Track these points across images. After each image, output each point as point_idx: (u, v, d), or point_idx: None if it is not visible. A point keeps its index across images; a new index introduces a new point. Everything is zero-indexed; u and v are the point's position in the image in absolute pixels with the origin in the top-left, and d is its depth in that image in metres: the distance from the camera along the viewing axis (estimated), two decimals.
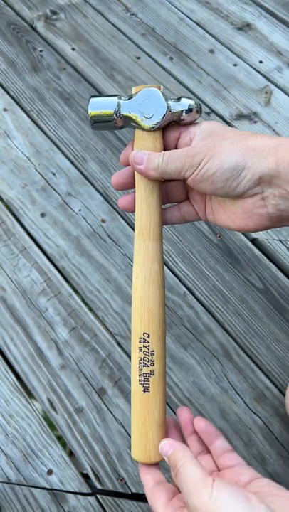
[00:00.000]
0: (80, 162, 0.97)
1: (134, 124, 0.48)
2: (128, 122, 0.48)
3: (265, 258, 0.86)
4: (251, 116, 1.03)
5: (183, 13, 1.20)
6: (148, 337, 0.47)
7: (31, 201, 0.92)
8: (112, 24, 1.18)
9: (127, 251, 0.86)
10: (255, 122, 1.02)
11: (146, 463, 0.46)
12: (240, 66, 1.11)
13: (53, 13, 1.20)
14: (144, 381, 0.46)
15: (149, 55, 1.12)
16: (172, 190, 0.51)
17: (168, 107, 0.47)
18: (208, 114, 1.04)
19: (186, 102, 0.47)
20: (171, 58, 1.12)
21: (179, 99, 0.47)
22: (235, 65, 1.11)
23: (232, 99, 1.06)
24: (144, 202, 0.48)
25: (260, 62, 1.12)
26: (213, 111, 1.04)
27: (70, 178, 0.94)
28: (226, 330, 0.79)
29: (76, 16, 1.19)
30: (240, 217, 0.45)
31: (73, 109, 1.04)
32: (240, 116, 1.03)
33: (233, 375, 0.75)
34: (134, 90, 0.48)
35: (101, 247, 0.87)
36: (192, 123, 0.48)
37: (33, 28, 1.17)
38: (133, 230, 0.89)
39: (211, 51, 1.14)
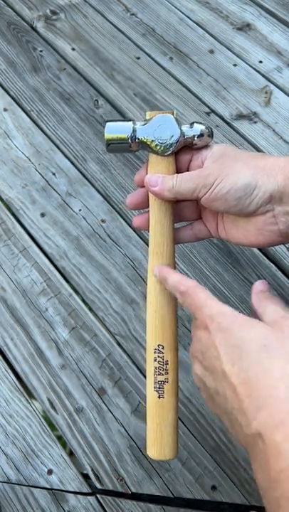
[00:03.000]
0: (80, 162, 0.97)
1: (148, 148, 0.50)
2: (143, 147, 0.51)
3: (265, 258, 0.86)
4: (251, 116, 1.03)
5: (183, 13, 1.20)
6: (162, 348, 0.51)
7: (31, 201, 0.92)
8: (112, 24, 1.18)
9: (127, 251, 0.86)
10: (255, 122, 1.02)
11: (161, 460, 0.52)
12: (240, 66, 1.11)
13: (53, 13, 1.20)
14: (158, 388, 0.50)
15: (149, 55, 1.12)
16: (185, 210, 0.54)
17: (181, 132, 0.49)
18: (208, 114, 1.04)
19: (199, 128, 0.49)
20: (171, 58, 1.12)
21: (192, 125, 0.50)
22: (235, 65, 1.11)
23: (232, 99, 1.06)
24: (158, 222, 0.51)
25: (260, 62, 1.12)
26: (213, 111, 1.04)
27: (70, 178, 0.95)
28: None
29: (76, 16, 1.19)
30: (252, 233, 0.48)
31: (73, 109, 1.04)
32: (240, 116, 1.03)
33: None
34: (148, 116, 0.51)
35: (101, 247, 0.87)
36: (204, 147, 0.50)
37: (33, 28, 1.17)
38: (133, 230, 0.89)
39: (211, 51, 1.14)
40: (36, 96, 1.05)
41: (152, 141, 0.49)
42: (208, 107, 1.05)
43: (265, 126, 1.02)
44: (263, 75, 1.10)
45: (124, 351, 0.77)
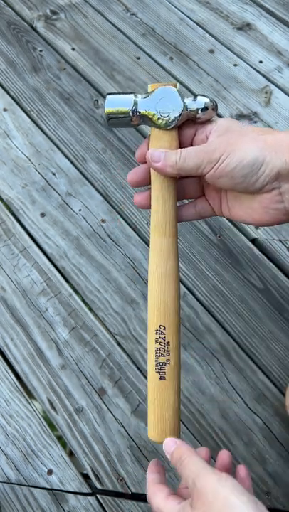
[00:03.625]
0: (80, 162, 0.97)
1: (150, 122, 0.48)
2: (144, 120, 0.49)
3: (265, 258, 0.86)
4: (251, 117, 1.03)
5: (183, 13, 1.20)
6: (164, 329, 0.50)
7: (31, 201, 0.92)
8: (112, 24, 1.18)
9: (127, 251, 0.86)
10: (256, 122, 1.02)
11: (159, 443, 0.49)
12: (240, 66, 1.11)
13: (53, 13, 1.20)
14: (160, 369, 0.50)
15: (149, 55, 1.12)
16: (188, 187, 0.52)
17: (184, 105, 0.47)
18: None
19: (203, 100, 0.48)
20: (171, 58, 1.12)
21: (195, 98, 0.48)
22: (235, 65, 1.11)
23: (232, 99, 1.06)
24: (160, 199, 0.49)
25: (260, 62, 1.12)
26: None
27: (70, 178, 0.94)
28: (225, 330, 0.79)
29: (76, 16, 1.19)
30: (257, 212, 0.46)
31: (73, 109, 1.04)
32: (241, 117, 1.03)
33: (233, 375, 0.75)
34: (150, 88, 0.49)
35: (101, 247, 0.87)
36: (208, 121, 0.48)
37: (33, 28, 1.17)
38: (133, 230, 0.89)
39: (211, 51, 1.14)
40: (36, 96, 1.05)
41: (154, 114, 0.48)
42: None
43: (265, 126, 1.02)
44: (263, 75, 1.10)
45: (124, 351, 0.77)
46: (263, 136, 0.45)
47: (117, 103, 0.48)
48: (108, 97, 0.48)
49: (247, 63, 1.12)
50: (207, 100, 0.48)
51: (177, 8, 1.21)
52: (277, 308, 0.81)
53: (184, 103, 0.47)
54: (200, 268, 0.85)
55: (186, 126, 0.49)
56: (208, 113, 0.48)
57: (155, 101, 0.48)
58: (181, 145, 0.49)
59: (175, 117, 0.47)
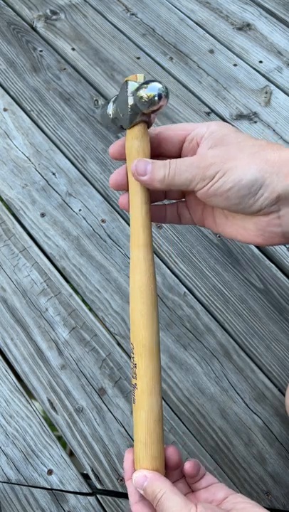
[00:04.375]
0: (80, 162, 0.97)
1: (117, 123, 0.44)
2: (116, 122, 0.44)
3: (265, 258, 0.86)
4: (251, 116, 1.03)
5: (183, 13, 1.20)
6: (133, 348, 0.44)
7: (31, 201, 0.92)
8: (112, 24, 1.18)
9: (127, 251, 0.86)
10: (255, 122, 1.02)
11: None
12: (240, 66, 1.11)
13: (53, 13, 1.20)
14: (133, 392, 0.45)
15: (149, 55, 1.12)
16: (170, 190, 0.48)
17: (131, 100, 0.41)
18: (208, 114, 1.04)
19: (144, 90, 0.40)
20: (171, 58, 1.12)
21: (138, 89, 0.40)
22: (235, 65, 1.11)
23: (232, 99, 1.06)
24: (132, 206, 0.44)
25: (260, 62, 1.12)
26: (213, 111, 1.04)
27: (70, 178, 0.95)
28: (226, 330, 0.79)
29: (76, 16, 1.19)
30: (250, 233, 0.42)
31: (73, 109, 1.04)
32: (240, 116, 1.03)
33: (233, 375, 0.75)
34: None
35: (101, 247, 0.87)
36: (158, 111, 0.42)
37: (33, 28, 1.17)
38: None
39: (211, 51, 1.14)
40: (36, 96, 1.05)
41: (112, 113, 0.43)
42: (208, 106, 1.05)
43: (265, 126, 1.02)
44: (263, 75, 1.10)
45: (124, 351, 0.77)
46: (264, 151, 0.40)
47: (105, 107, 0.45)
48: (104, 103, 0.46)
49: (247, 63, 1.12)
50: (152, 87, 0.40)
51: (177, 8, 1.21)
52: (277, 308, 0.81)
53: (130, 98, 0.41)
54: (200, 268, 0.85)
55: (170, 130, 0.44)
56: (153, 105, 0.40)
57: (115, 98, 0.43)
58: (168, 153, 0.45)
59: (127, 115, 0.41)
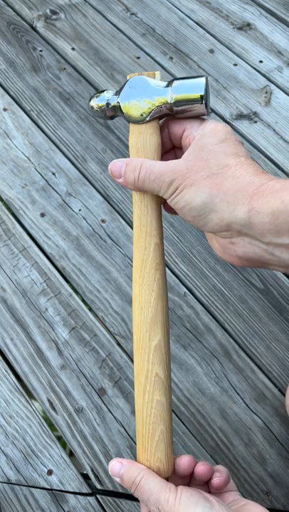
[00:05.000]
0: (80, 162, 0.97)
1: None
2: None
3: None
4: (251, 116, 1.03)
5: (183, 13, 1.20)
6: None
7: (31, 201, 0.92)
8: (112, 24, 1.18)
9: (127, 251, 0.86)
10: (256, 122, 1.02)
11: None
12: (240, 66, 1.11)
13: (53, 13, 1.20)
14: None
15: (149, 55, 1.12)
16: None
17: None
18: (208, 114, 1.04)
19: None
20: (171, 58, 1.12)
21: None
22: (235, 64, 1.11)
23: (232, 99, 1.06)
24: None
25: (261, 62, 1.12)
26: (213, 111, 1.04)
27: (70, 178, 0.94)
28: (226, 330, 0.79)
29: (76, 16, 1.19)
30: (218, 248, 0.43)
31: (73, 109, 1.04)
32: (241, 116, 1.03)
33: (233, 375, 0.75)
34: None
35: (101, 247, 0.87)
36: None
37: (33, 28, 1.17)
38: (133, 230, 0.89)
39: (211, 51, 1.14)
40: (36, 96, 1.05)
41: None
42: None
43: (265, 126, 1.02)
44: (264, 75, 1.10)
45: (124, 351, 0.77)
46: (224, 175, 0.39)
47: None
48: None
49: (247, 63, 1.11)
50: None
51: (177, 8, 1.21)
52: (277, 309, 0.81)
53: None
54: (200, 268, 0.85)
55: (174, 124, 0.44)
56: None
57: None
58: (173, 143, 0.45)
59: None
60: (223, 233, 0.40)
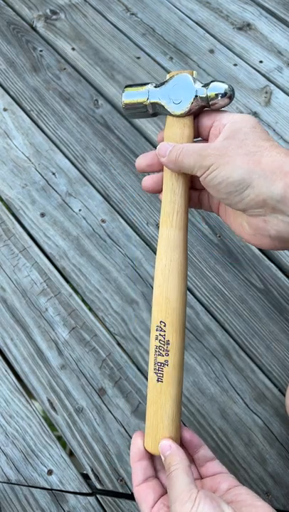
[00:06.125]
0: (80, 162, 0.97)
1: (163, 110, 0.48)
2: (158, 109, 0.49)
3: (265, 258, 0.86)
4: None
5: (183, 13, 1.20)
6: (164, 326, 0.46)
7: (31, 201, 0.92)
8: (112, 24, 1.18)
9: (127, 251, 0.86)
10: None
11: (155, 454, 0.46)
12: (240, 66, 1.11)
13: (53, 13, 1.20)
14: (158, 370, 0.46)
15: (149, 55, 1.12)
16: (195, 177, 0.50)
17: (196, 91, 0.46)
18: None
19: (216, 86, 0.46)
20: (171, 58, 1.12)
21: (209, 84, 0.47)
22: (235, 65, 1.11)
23: None
24: (170, 189, 0.48)
25: (260, 62, 1.12)
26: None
27: (70, 178, 0.94)
28: (226, 330, 0.79)
29: (76, 16, 1.19)
30: (246, 231, 0.44)
31: (73, 109, 1.04)
32: None
33: (233, 375, 0.75)
34: (168, 76, 0.49)
35: (101, 247, 0.87)
36: (223, 107, 0.47)
37: (33, 28, 1.17)
38: (133, 230, 0.89)
39: (211, 51, 1.14)
40: (36, 96, 1.05)
41: (166, 102, 0.47)
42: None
43: (265, 126, 1.02)
44: (264, 75, 1.10)
45: (124, 351, 0.77)
46: (260, 154, 0.41)
47: (133, 93, 0.49)
48: (126, 90, 0.49)
49: (247, 63, 1.11)
50: (221, 86, 0.46)
51: (177, 8, 1.21)
52: (277, 309, 0.81)
53: (196, 90, 0.46)
54: (200, 268, 0.85)
55: (204, 117, 0.47)
56: (223, 100, 0.46)
57: (168, 89, 0.48)
58: (200, 136, 0.48)
59: (187, 104, 0.47)
60: (258, 210, 0.41)
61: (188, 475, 0.41)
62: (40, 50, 1.13)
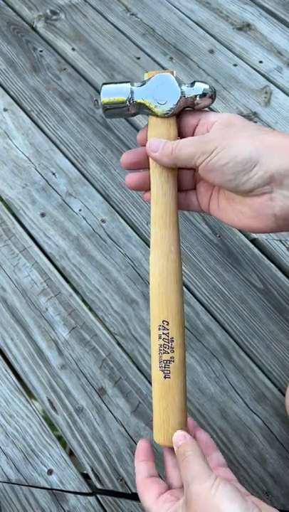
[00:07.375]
0: (80, 162, 0.97)
1: (147, 110, 0.48)
2: (141, 109, 0.48)
3: (265, 258, 0.86)
4: (251, 116, 1.03)
5: (183, 13, 1.20)
6: (167, 324, 0.47)
7: (31, 201, 0.92)
8: (112, 24, 1.18)
9: (127, 251, 0.86)
10: (255, 122, 1.02)
11: (168, 447, 0.47)
12: (240, 66, 1.11)
13: (53, 13, 1.20)
14: (164, 367, 0.47)
15: (149, 55, 1.12)
16: (181, 178, 0.50)
17: (182, 92, 0.46)
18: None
19: (201, 87, 0.47)
20: (171, 58, 1.12)
21: (192, 84, 0.47)
22: (235, 65, 1.11)
23: (232, 99, 1.06)
24: (160, 189, 0.48)
25: (260, 62, 1.12)
26: (213, 111, 1.04)
27: (70, 178, 0.95)
28: (226, 330, 0.79)
29: (76, 16, 1.19)
30: (246, 216, 0.44)
31: (73, 109, 1.04)
32: None
33: (233, 375, 0.75)
34: (146, 76, 0.48)
35: (101, 247, 0.87)
36: (206, 108, 0.47)
37: (33, 28, 1.17)
38: (133, 230, 0.89)
39: (211, 51, 1.14)
40: (36, 96, 1.05)
41: (151, 102, 0.47)
42: (208, 106, 1.05)
43: (265, 126, 1.02)
44: (263, 75, 1.10)
45: (124, 351, 0.77)
46: (262, 134, 0.43)
47: (113, 92, 0.47)
48: (104, 86, 0.47)
49: (247, 63, 1.12)
50: (206, 87, 0.47)
51: (177, 8, 1.21)
52: (277, 309, 0.81)
53: (181, 90, 0.47)
54: (200, 268, 0.85)
55: (188, 116, 0.48)
56: (206, 100, 0.47)
57: (152, 89, 0.47)
58: (183, 136, 0.48)
59: (172, 104, 0.46)
60: (265, 187, 0.41)
61: (204, 460, 0.42)
62: (41, 51, 1.13)
